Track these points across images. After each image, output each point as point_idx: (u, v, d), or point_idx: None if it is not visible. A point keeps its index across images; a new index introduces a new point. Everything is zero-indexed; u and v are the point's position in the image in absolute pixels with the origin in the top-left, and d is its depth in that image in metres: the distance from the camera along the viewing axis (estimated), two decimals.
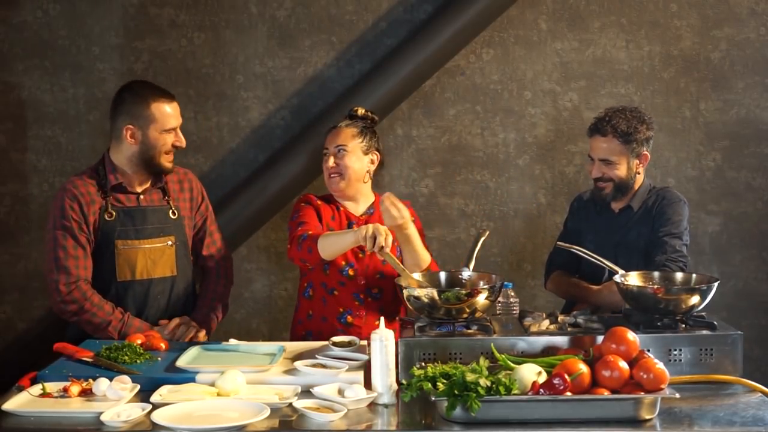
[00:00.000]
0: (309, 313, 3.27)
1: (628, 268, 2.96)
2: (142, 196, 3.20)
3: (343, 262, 3.21)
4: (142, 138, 3.13)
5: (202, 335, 3.18)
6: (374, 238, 2.87)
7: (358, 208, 3.33)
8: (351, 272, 3.22)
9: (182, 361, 2.67)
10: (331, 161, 3.25)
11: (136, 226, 3.16)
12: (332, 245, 3.03)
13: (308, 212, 3.24)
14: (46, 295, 4.64)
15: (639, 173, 3.43)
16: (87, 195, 3.13)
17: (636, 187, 3.45)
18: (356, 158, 3.25)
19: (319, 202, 3.28)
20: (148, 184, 3.23)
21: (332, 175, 3.26)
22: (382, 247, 2.87)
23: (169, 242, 3.22)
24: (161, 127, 3.13)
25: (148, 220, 3.18)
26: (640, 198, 3.44)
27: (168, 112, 3.15)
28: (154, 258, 3.18)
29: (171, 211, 3.24)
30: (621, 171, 3.38)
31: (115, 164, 3.18)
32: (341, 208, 3.30)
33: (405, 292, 2.81)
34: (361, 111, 3.33)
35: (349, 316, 3.22)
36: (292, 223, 3.22)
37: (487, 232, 3.24)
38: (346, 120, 3.32)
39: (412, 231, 3.12)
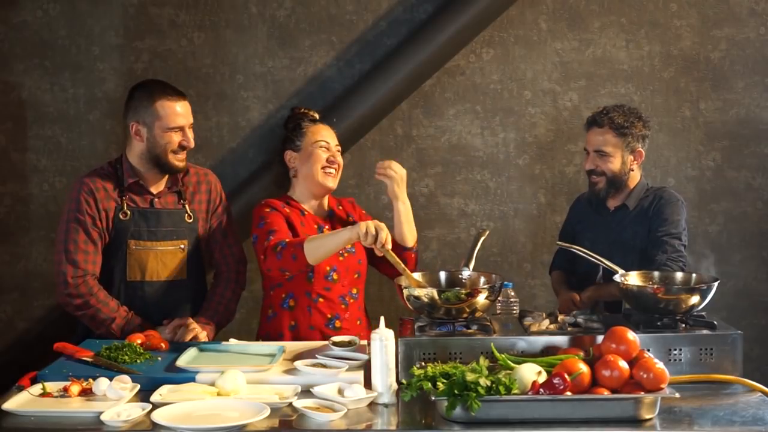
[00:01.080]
0: (291, 324, 3.20)
1: (622, 267, 2.96)
2: (156, 199, 3.19)
3: (328, 268, 3.18)
4: (148, 136, 3.12)
5: (203, 337, 3.13)
6: (376, 235, 2.87)
7: (320, 210, 3.31)
8: (335, 276, 3.20)
9: (182, 361, 2.67)
10: (338, 156, 3.26)
11: (150, 228, 3.15)
12: (322, 247, 2.97)
13: (276, 219, 3.16)
14: (46, 294, 4.69)
15: (633, 170, 3.44)
16: (103, 191, 3.12)
17: (631, 185, 3.46)
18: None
19: (287, 210, 3.21)
20: (163, 186, 3.21)
21: (331, 170, 3.24)
22: (384, 245, 2.86)
23: (182, 246, 3.20)
24: (165, 125, 3.10)
25: (163, 222, 3.17)
26: (636, 197, 3.45)
27: (174, 111, 3.11)
28: (165, 261, 3.17)
29: (187, 214, 3.22)
30: (614, 164, 3.40)
31: (131, 163, 3.17)
32: (306, 212, 3.26)
33: (405, 292, 2.81)
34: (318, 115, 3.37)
35: (337, 321, 3.20)
36: (260, 232, 3.13)
37: (487, 232, 3.25)
38: (316, 118, 3.32)
39: (406, 197, 3.21)
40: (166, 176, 3.21)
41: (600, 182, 3.44)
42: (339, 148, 3.30)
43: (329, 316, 3.20)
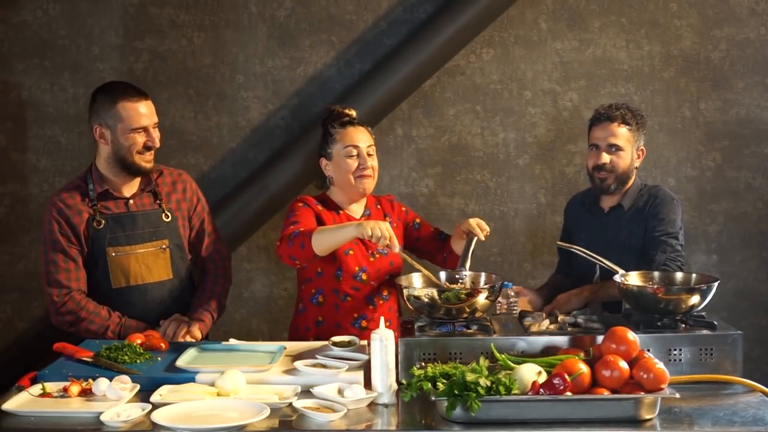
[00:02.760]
0: (319, 319, 3.20)
1: (620, 268, 2.96)
2: (131, 201, 3.18)
3: (357, 268, 3.16)
4: (112, 138, 3.10)
5: (195, 331, 3.14)
6: (379, 236, 2.87)
7: (358, 210, 3.28)
8: (365, 277, 3.18)
9: (182, 361, 2.67)
10: (368, 161, 3.19)
11: (126, 232, 3.14)
12: (328, 239, 2.95)
13: (305, 213, 3.16)
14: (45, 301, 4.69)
15: (637, 167, 3.43)
16: (73, 207, 3.11)
17: (628, 184, 3.44)
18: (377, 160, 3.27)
19: (319, 207, 3.20)
20: (136, 189, 3.20)
21: (367, 176, 3.19)
22: (391, 246, 2.87)
23: (163, 246, 3.20)
24: (128, 126, 3.09)
25: (139, 224, 3.16)
26: (631, 196, 3.44)
27: (136, 112, 3.09)
28: (147, 263, 3.17)
29: (164, 214, 3.22)
30: (626, 160, 3.38)
31: (100, 171, 3.16)
32: (341, 212, 3.24)
33: (405, 292, 2.81)
34: (355, 113, 3.29)
35: (363, 321, 3.18)
36: (286, 222, 3.14)
37: None
38: (351, 119, 3.24)
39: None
40: (139, 178, 3.20)
41: (609, 178, 3.37)
42: (372, 149, 3.22)
43: (356, 315, 3.18)
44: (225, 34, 4.69)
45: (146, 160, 3.14)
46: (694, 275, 2.94)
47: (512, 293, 3.19)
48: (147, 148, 3.13)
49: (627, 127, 3.36)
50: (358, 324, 3.18)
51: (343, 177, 3.19)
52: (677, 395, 2.33)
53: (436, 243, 3.34)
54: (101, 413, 2.33)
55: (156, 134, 3.15)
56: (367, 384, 2.52)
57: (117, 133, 3.10)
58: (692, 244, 4.64)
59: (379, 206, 3.34)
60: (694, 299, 2.72)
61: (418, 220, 3.38)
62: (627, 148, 3.37)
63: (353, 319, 3.18)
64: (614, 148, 3.36)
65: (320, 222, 3.17)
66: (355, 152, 3.18)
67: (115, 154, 3.12)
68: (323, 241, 2.95)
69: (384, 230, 2.87)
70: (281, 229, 3.17)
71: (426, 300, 2.75)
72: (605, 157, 3.35)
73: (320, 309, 3.20)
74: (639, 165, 3.44)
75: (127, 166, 3.13)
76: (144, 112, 3.12)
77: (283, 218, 3.26)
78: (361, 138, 3.20)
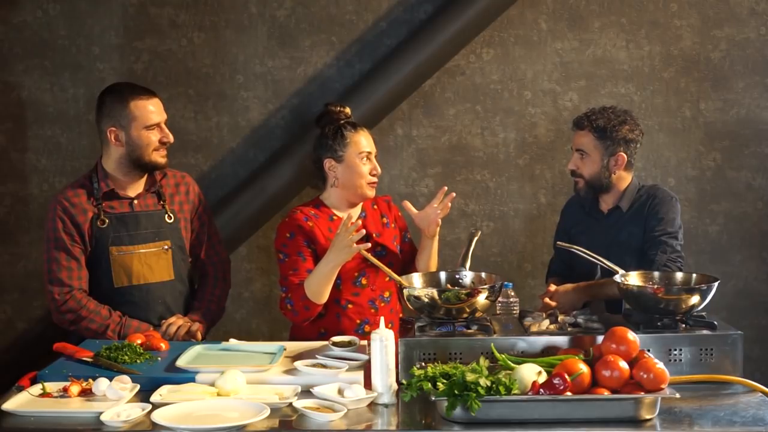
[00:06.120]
0: (321, 331, 3.16)
1: (621, 269, 2.95)
2: (135, 201, 3.19)
3: (356, 273, 3.14)
4: (126, 138, 3.12)
5: (196, 329, 3.16)
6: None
7: (354, 213, 3.24)
8: (364, 281, 3.17)
9: (182, 361, 2.67)
10: (377, 166, 3.20)
11: (130, 232, 3.15)
12: (320, 283, 3.00)
13: (297, 245, 3.11)
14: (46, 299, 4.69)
15: (614, 174, 3.41)
16: (78, 206, 3.12)
17: (622, 187, 3.43)
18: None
19: (310, 223, 3.13)
20: (141, 189, 3.21)
21: (375, 183, 3.19)
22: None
23: (165, 246, 3.20)
24: (142, 125, 3.11)
25: (142, 225, 3.17)
26: (629, 198, 3.44)
27: (148, 109, 3.12)
28: (150, 263, 3.17)
29: (167, 215, 3.22)
30: (592, 166, 3.39)
31: (106, 170, 3.17)
32: (335, 218, 3.19)
33: (405, 292, 2.81)
34: (349, 110, 3.27)
35: (366, 326, 3.16)
36: (280, 268, 3.12)
37: (479, 233, 3.24)
38: (352, 121, 3.22)
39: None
40: (144, 178, 3.21)
41: (579, 182, 3.45)
42: (375, 152, 3.22)
43: (358, 321, 3.16)
44: (225, 34, 4.69)
45: (161, 156, 3.17)
46: (694, 275, 2.94)
47: (512, 293, 3.19)
48: (162, 144, 3.16)
49: (594, 134, 3.37)
50: (361, 330, 3.15)
51: (355, 181, 3.16)
52: (677, 395, 2.33)
53: (411, 259, 3.33)
54: (101, 413, 2.33)
55: (167, 130, 3.18)
56: (367, 384, 2.52)
57: (131, 132, 3.12)
58: (692, 244, 4.64)
59: (375, 207, 3.31)
60: (694, 299, 2.72)
61: (409, 236, 3.38)
62: (594, 155, 3.39)
63: (356, 326, 3.16)
64: (581, 154, 3.42)
65: (314, 239, 3.12)
66: (369, 156, 3.18)
67: (129, 155, 3.13)
68: (319, 289, 3.01)
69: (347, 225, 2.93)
70: (279, 265, 3.13)
71: (426, 300, 2.75)
72: (572, 164, 3.45)
73: (322, 321, 3.16)
74: (618, 172, 3.40)
75: (143, 164, 3.15)
76: (155, 109, 3.15)
77: (282, 218, 3.25)
78: (370, 142, 3.20)
